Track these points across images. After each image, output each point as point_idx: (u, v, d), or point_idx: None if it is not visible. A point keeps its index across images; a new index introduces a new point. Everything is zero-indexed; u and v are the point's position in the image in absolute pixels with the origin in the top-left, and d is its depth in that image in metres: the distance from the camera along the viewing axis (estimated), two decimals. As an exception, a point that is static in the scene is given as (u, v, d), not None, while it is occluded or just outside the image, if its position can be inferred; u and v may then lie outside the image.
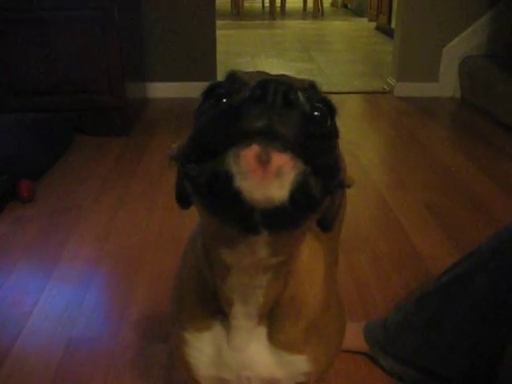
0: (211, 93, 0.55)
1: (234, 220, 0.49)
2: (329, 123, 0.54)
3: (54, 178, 2.33)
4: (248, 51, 5.12)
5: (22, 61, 2.65)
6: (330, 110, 0.54)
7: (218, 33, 3.52)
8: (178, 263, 1.69)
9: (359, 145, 2.71)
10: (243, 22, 7.03)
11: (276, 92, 0.46)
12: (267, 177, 0.44)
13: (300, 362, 0.72)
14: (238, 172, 0.44)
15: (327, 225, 0.65)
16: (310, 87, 0.55)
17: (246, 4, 7.94)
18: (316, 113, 0.51)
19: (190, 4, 3.34)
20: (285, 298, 0.67)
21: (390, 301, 1.53)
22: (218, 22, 3.54)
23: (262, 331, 0.70)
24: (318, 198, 0.48)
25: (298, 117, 0.46)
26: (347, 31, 6.53)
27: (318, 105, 0.53)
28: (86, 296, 1.56)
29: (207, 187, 0.47)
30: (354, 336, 1.30)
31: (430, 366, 1.16)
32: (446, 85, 3.52)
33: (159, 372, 1.29)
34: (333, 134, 0.54)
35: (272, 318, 0.69)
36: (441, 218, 2.00)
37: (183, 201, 0.64)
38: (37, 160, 2.32)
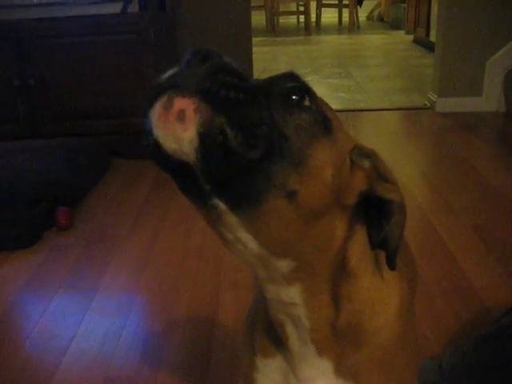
0: None
1: (186, 188, 0.53)
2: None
3: (91, 204, 2.32)
4: (284, 68, 5.02)
5: (58, 86, 2.67)
6: (304, 91, 0.54)
7: (253, 50, 3.49)
8: (216, 293, 1.65)
9: (400, 164, 2.62)
10: (279, 39, 7.02)
11: (196, 56, 0.50)
12: (169, 119, 0.46)
13: None
14: (152, 123, 0.48)
15: (388, 259, 0.62)
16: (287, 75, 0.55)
17: (281, 20, 7.94)
18: (229, 67, 0.50)
19: (226, 23, 3.33)
20: (340, 324, 0.64)
21: (442, 335, 1.44)
22: (253, 39, 3.51)
23: (327, 364, 0.67)
24: (235, 148, 0.47)
25: (207, 68, 0.48)
26: (384, 45, 6.44)
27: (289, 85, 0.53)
28: (123, 330, 1.52)
29: (147, 149, 0.50)
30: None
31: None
32: (491, 99, 3.40)
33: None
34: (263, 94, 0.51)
35: (336, 349, 0.66)
36: (491, 243, 1.90)
37: None
38: (74, 186, 2.31)
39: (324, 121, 0.55)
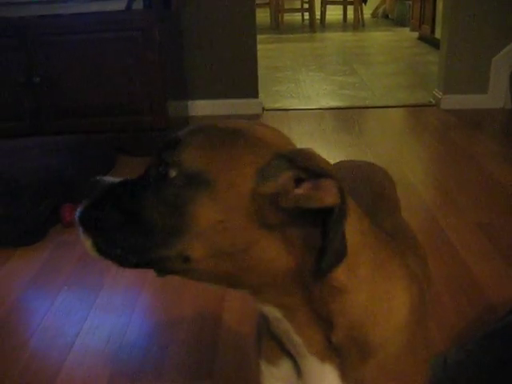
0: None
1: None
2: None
3: (96, 200, 2.31)
4: (289, 65, 5.08)
5: (63, 83, 2.67)
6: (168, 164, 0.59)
7: (258, 47, 3.49)
8: (222, 292, 1.65)
9: (405, 161, 2.61)
10: (283, 36, 7.01)
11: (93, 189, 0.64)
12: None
13: None
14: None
15: (323, 267, 0.56)
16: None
17: (286, 17, 7.92)
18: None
19: (230, 20, 3.32)
20: (339, 338, 0.62)
21: (448, 332, 1.43)
22: (258, 37, 3.51)
23: (334, 371, 0.66)
24: (110, 251, 0.61)
25: (96, 194, 0.63)
26: (389, 42, 6.42)
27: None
28: (128, 326, 1.52)
29: None
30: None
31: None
32: (496, 96, 3.39)
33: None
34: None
35: (339, 360, 0.65)
36: (497, 240, 1.89)
37: None
38: (79, 183, 2.31)
39: (198, 178, 0.56)
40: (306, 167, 0.55)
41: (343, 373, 0.66)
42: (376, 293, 0.63)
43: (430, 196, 2.29)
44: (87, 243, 0.63)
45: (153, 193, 0.59)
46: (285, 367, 0.71)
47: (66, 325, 1.54)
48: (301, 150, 0.58)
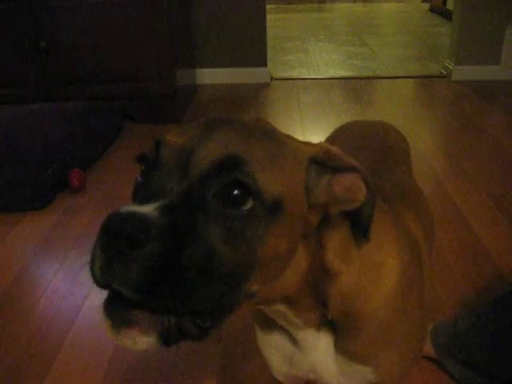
0: (141, 159, 0.56)
1: None
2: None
3: (104, 166, 2.31)
4: (298, 36, 5.01)
5: (71, 49, 2.64)
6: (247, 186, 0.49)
7: (267, 17, 3.43)
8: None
9: (415, 131, 2.58)
10: (292, 6, 6.90)
11: (116, 236, 0.44)
12: (122, 340, 0.47)
13: (366, 373, 0.68)
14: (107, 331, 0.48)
15: (364, 232, 0.60)
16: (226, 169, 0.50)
17: (295, -13, 7.79)
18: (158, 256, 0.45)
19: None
20: (333, 315, 0.63)
21: (457, 299, 1.43)
22: (267, 6, 3.45)
23: (328, 338, 0.67)
24: (191, 334, 0.48)
25: (138, 269, 0.44)
26: (399, 13, 6.32)
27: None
28: (136, 289, 1.52)
29: None
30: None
31: (505, 375, 1.06)
32: (509, 67, 3.33)
33: (213, 370, 1.24)
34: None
35: (335, 327, 0.66)
36: (505, 209, 1.88)
37: None
38: (87, 149, 2.30)
39: (277, 207, 0.50)
40: (337, 167, 0.55)
41: (337, 342, 0.66)
42: (366, 268, 0.63)
43: (440, 167, 2.27)
44: (148, 339, 0.47)
45: (218, 226, 0.47)
46: (277, 337, 0.71)
47: (75, 287, 1.54)
48: (326, 151, 0.56)
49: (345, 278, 0.61)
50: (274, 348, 0.73)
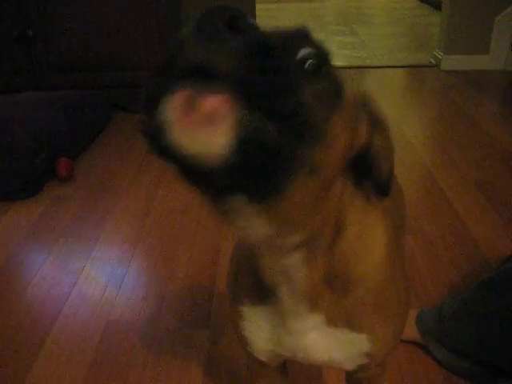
0: None
1: (201, 187, 0.43)
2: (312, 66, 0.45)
3: (92, 156, 2.30)
4: (288, 25, 4.98)
5: (60, 37, 2.62)
6: (321, 56, 0.46)
7: (258, 7, 3.42)
8: (217, 242, 1.65)
9: (405, 121, 2.59)
10: (283, -4, 6.87)
11: (217, 19, 0.38)
12: (197, 121, 0.37)
13: (360, 341, 0.68)
14: (167, 122, 0.38)
15: (383, 189, 0.61)
16: (298, 32, 0.47)
17: (285, -23, 7.75)
18: (265, 43, 0.40)
19: (228, -24, 3.24)
20: (331, 275, 0.62)
21: (443, 286, 1.44)
22: (257, -4, 3.43)
23: (318, 317, 0.65)
24: (279, 146, 0.40)
25: (242, 46, 0.38)
26: (390, 3, 6.30)
27: (305, 50, 0.45)
28: (124, 277, 1.52)
29: (153, 147, 0.41)
30: (406, 324, 1.22)
31: (490, 360, 1.07)
32: (498, 57, 3.34)
33: (199, 357, 1.25)
34: (298, 71, 0.44)
35: (327, 301, 0.64)
36: (494, 198, 1.89)
37: None
38: (75, 138, 2.29)
39: (338, 88, 0.49)
40: (378, 114, 0.56)
41: (329, 314, 0.65)
42: (361, 231, 0.63)
43: (429, 156, 2.28)
44: (225, 130, 0.37)
45: (302, 77, 0.44)
46: (268, 310, 0.68)
47: (63, 275, 1.54)
48: (365, 92, 0.56)
49: (349, 234, 0.61)
50: (260, 325, 0.70)
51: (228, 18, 0.39)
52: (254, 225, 0.48)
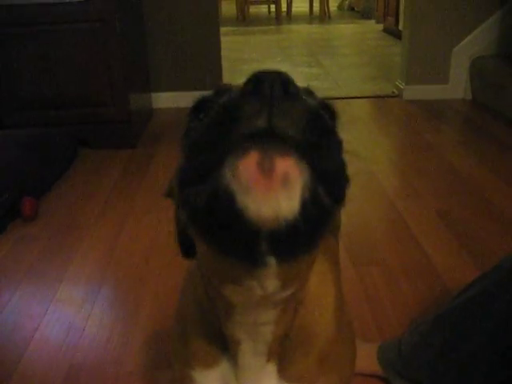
0: (200, 108, 0.48)
1: (238, 251, 0.42)
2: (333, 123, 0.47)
3: (57, 194, 2.29)
4: (254, 57, 5.07)
5: (23, 75, 2.62)
6: (331, 113, 0.48)
7: (224, 39, 3.47)
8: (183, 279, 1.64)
9: (368, 151, 2.64)
10: (249, 28, 6.99)
11: (273, 83, 0.38)
12: (274, 187, 0.37)
13: None
14: (239, 186, 0.37)
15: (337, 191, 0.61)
16: (305, 90, 0.48)
17: (252, 9, 7.91)
18: (320, 107, 0.42)
19: (193, 12, 3.30)
20: (293, 329, 0.62)
21: (405, 317, 1.46)
22: (224, 29, 3.50)
23: (272, 368, 0.64)
24: (329, 209, 0.40)
25: (302, 111, 0.39)
26: (354, 34, 6.46)
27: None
28: (88, 319, 1.51)
29: (206, 211, 0.40)
30: (368, 358, 1.24)
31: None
32: (457, 86, 3.44)
33: None
34: (338, 134, 0.45)
35: (282, 352, 0.64)
36: (455, 226, 1.93)
37: (186, 246, 0.58)
38: (40, 176, 2.28)
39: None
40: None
41: (283, 366, 0.64)
42: (318, 279, 0.64)
43: (391, 184, 2.32)
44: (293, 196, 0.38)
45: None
46: (223, 368, 0.65)
47: (25, 319, 1.52)
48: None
49: (309, 285, 0.61)
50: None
51: (281, 83, 0.39)
52: (267, 284, 0.46)
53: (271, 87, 0.38)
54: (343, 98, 3.61)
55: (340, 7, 8.97)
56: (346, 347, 0.72)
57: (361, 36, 6.25)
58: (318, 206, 0.39)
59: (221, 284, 0.50)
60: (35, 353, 1.39)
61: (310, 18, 8.11)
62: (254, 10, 8.12)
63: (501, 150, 2.63)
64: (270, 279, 0.46)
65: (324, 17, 7.71)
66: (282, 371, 0.64)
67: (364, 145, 2.72)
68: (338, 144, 0.43)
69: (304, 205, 0.38)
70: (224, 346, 0.64)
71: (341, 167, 0.43)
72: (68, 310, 1.55)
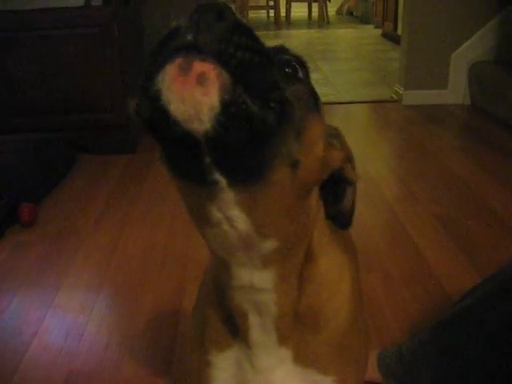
0: None
1: (184, 164, 0.47)
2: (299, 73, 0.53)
3: (56, 200, 2.29)
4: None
5: (21, 81, 2.62)
6: (299, 62, 0.54)
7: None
8: (182, 286, 1.64)
9: (367, 156, 2.64)
10: (248, 33, 6.99)
11: (208, 10, 0.45)
12: (190, 83, 0.42)
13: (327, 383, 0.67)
14: (164, 86, 0.43)
15: (345, 221, 0.67)
16: (278, 46, 0.55)
17: (251, 14, 7.92)
18: (246, 28, 0.47)
19: (192, 17, 3.30)
20: (301, 308, 0.63)
21: (405, 324, 1.46)
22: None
23: (286, 353, 0.65)
24: (256, 114, 0.44)
25: (224, 28, 0.44)
26: (353, 39, 6.48)
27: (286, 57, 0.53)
28: (86, 326, 1.50)
29: (149, 119, 0.46)
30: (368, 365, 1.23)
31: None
32: (456, 92, 3.45)
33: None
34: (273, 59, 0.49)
35: (294, 336, 0.64)
36: (454, 231, 1.93)
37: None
38: (38, 182, 2.28)
39: (315, 95, 0.56)
40: (348, 149, 0.66)
41: (296, 350, 0.65)
42: (332, 262, 0.65)
43: (390, 190, 2.32)
44: (213, 97, 0.42)
45: (283, 75, 0.50)
46: (237, 351, 0.67)
47: (23, 324, 1.51)
48: (337, 129, 0.66)
49: (319, 264, 0.63)
50: (227, 370, 0.69)
51: (216, 11, 0.45)
52: (233, 216, 0.50)
53: (205, 13, 0.44)
54: (342, 103, 3.61)
55: (339, 12, 8.99)
56: (361, 340, 0.72)
57: (359, 41, 6.27)
58: (239, 107, 0.43)
59: (199, 227, 0.55)
60: (34, 359, 1.39)
61: (309, 22, 8.13)
62: (253, 14, 8.14)
63: (500, 155, 2.63)
64: (232, 209, 0.49)
65: (323, 22, 7.73)
66: (295, 357, 0.65)
67: (363, 149, 2.72)
68: (268, 61, 0.47)
69: (224, 105, 0.42)
70: (237, 330, 0.65)
71: (267, 78, 0.46)
72: (66, 316, 1.55)
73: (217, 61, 0.43)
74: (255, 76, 0.45)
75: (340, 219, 0.67)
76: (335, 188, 0.66)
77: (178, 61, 0.43)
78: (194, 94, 0.42)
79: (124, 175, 2.51)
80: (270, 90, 0.46)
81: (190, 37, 0.44)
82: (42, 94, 2.64)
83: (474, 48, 3.37)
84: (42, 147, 2.45)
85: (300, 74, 0.53)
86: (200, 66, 0.42)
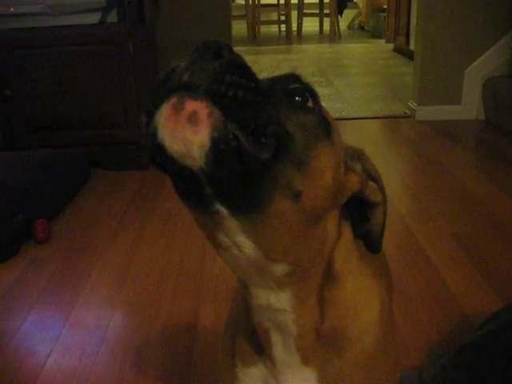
0: None
1: (187, 192, 0.50)
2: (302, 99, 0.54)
3: (70, 216, 2.29)
4: (265, 77, 5.08)
5: (36, 96, 2.64)
6: (308, 91, 0.55)
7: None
8: (197, 303, 1.63)
9: (381, 172, 2.61)
10: (260, 48, 7.03)
11: (206, 50, 0.47)
12: (180, 121, 0.44)
13: None
14: (159, 125, 0.45)
15: (374, 244, 0.66)
16: (289, 74, 0.57)
17: (263, 29, 7.96)
18: (240, 66, 0.48)
19: (206, 32, 3.32)
20: (324, 329, 0.62)
21: (423, 346, 1.43)
22: (235, 49, 3.46)
23: (311, 374, 0.65)
24: (248, 149, 0.45)
25: (218, 66, 0.46)
26: (365, 54, 6.48)
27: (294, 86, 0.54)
28: (101, 346, 1.49)
29: (150, 154, 0.48)
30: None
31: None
32: (469, 107, 3.43)
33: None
34: (269, 92, 0.50)
35: (319, 356, 0.64)
36: (471, 250, 1.90)
37: None
38: (52, 198, 2.28)
39: (325, 123, 0.55)
40: (373, 170, 0.66)
41: (321, 371, 0.65)
42: (359, 285, 0.65)
43: (405, 207, 2.30)
44: (203, 135, 0.44)
45: (286, 107, 0.52)
46: (262, 368, 0.68)
47: (38, 344, 1.51)
48: (362, 150, 0.66)
49: (343, 286, 0.62)
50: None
51: (213, 49, 0.47)
52: (240, 244, 0.52)
53: (203, 52, 0.47)
54: (355, 119, 3.60)
55: (350, 27, 9.02)
56: (388, 364, 0.70)
57: (371, 55, 6.27)
58: (230, 144, 0.44)
59: (214, 248, 0.56)
60: (48, 379, 1.37)
61: (320, 37, 8.15)
62: (264, 29, 8.17)
63: (515, 172, 2.60)
64: (237, 235, 0.51)
65: (334, 36, 7.74)
66: (321, 376, 0.65)
67: (377, 165, 2.69)
68: (262, 97, 0.48)
69: (214, 142, 0.44)
70: (261, 346, 0.66)
71: (261, 116, 0.47)
72: (81, 336, 1.54)
73: (209, 99, 0.44)
74: (248, 113, 0.46)
75: (369, 240, 0.67)
76: (362, 208, 0.66)
77: (173, 100, 0.45)
78: (184, 133, 0.44)
79: (138, 191, 2.51)
80: (264, 126, 0.47)
81: (185, 76, 0.46)
82: (56, 110, 2.66)
83: (487, 63, 3.36)
84: (56, 163, 2.46)
85: (310, 103, 0.54)
86: (192, 105, 0.44)
